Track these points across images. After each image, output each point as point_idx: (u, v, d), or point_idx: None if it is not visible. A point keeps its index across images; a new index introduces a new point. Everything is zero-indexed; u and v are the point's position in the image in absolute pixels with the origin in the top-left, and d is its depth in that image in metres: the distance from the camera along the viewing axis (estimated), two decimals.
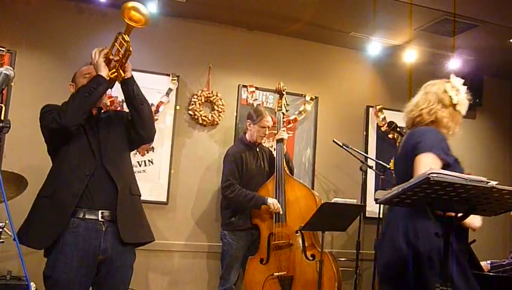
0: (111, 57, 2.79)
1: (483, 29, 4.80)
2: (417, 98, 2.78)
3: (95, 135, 2.79)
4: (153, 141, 3.19)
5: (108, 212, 2.70)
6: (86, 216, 2.66)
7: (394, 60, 5.70)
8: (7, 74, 2.15)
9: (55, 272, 2.59)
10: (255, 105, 5.02)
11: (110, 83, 2.82)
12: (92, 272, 2.66)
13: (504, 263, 4.11)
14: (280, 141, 4.54)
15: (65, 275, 2.57)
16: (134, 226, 2.80)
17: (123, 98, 2.88)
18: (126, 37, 2.71)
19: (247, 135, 4.53)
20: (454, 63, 5.59)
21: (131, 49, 2.73)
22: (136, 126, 2.87)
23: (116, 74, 2.80)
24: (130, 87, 2.81)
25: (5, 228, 3.59)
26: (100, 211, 2.69)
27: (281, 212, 4.27)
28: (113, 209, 2.71)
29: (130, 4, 2.66)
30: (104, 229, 2.68)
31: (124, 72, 2.80)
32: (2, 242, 3.62)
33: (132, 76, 2.84)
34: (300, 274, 4.21)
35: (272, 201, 4.26)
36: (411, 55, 5.50)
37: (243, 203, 4.32)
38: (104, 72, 2.73)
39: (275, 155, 4.54)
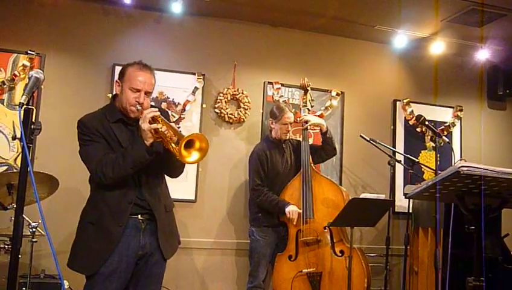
0: (160, 131, 2.62)
1: None
2: None
3: None
4: None
5: (148, 214, 2.81)
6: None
7: (421, 52, 5.62)
8: (38, 77, 2.20)
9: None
10: (280, 102, 5.01)
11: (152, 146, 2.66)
12: (131, 268, 2.76)
13: None
14: (305, 123, 4.44)
15: (106, 269, 2.68)
16: (171, 241, 2.94)
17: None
18: (176, 149, 2.54)
19: (272, 133, 4.52)
20: (483, 53, 5.49)
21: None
22: (166, 172, 2.96)
23: (161, 141, 2.67)
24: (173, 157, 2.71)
25: (38, 227, 3.67)
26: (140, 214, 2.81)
27: (294, 223, 4.22)
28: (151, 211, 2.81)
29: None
30: (143, 227, 2.79)
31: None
32: (36, 241, 3.69)
33: None
34: (329, 270, 4.18)
35: (288, 209, 4.21)
36: (438, 47, 5.41)
37: (268, 208, 4.33)
38: (150, 140, 2.63)
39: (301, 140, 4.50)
